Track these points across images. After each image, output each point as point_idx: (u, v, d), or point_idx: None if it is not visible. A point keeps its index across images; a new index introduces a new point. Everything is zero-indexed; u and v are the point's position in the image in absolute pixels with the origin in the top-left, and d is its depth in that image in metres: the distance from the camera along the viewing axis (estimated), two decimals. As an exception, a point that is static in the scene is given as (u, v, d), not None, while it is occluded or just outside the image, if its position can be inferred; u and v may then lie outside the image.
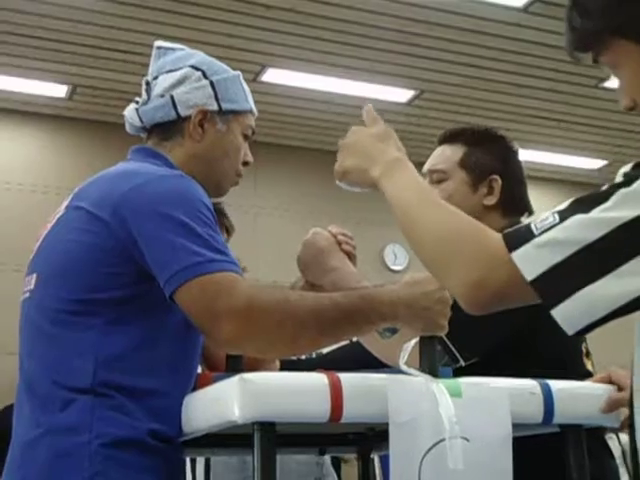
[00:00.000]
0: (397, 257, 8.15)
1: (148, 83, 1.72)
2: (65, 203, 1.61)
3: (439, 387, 1.37)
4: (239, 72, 1.78)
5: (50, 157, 7.33)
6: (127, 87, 6.74)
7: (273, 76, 6.61)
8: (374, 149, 1.43)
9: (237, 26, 5.97)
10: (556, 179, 8.57)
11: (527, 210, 2.05)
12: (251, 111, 1.77)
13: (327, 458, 3.40)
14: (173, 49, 1.76)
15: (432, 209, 1.32)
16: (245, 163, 1.77)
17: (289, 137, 7.64)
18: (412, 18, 5.89)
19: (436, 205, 1.33)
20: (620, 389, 1.59)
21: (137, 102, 1.73)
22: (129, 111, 1.74)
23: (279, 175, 7.24)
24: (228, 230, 2.89)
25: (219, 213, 2.72)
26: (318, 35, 6.13)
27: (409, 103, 7.13)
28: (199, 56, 1.75)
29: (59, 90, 6.87)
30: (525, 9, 5.87)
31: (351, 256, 1.82)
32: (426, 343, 1.47)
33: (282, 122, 7.14)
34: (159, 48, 1.76)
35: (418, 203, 1.33)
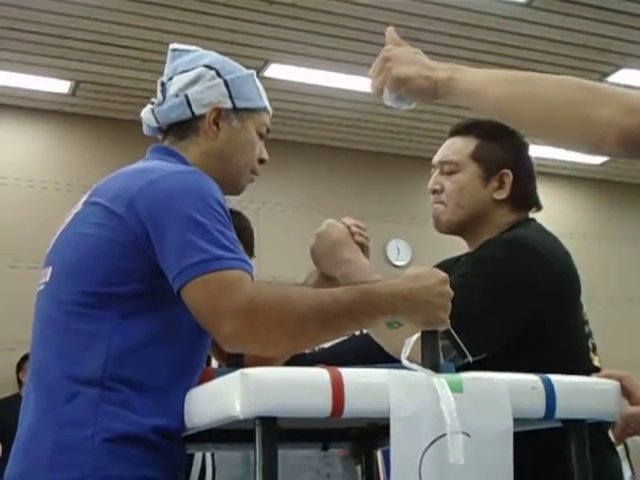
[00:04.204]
0: (400, 252, 8.15)
1: (163, 84, 1.75)
2: (83, 199, 1.64)
3: (440, 382, 1.37)
4: (253, 71, 1.80)
5: (52, 153, 7.33)
6: (130, 83, 6.75)
7: (276, 71, 6.60)
8: (424, 59, 1.42)
9: (240, 21, 5.97)
10: (558, 174, 8.57)
11: (535, 205, 2.04)
12: (265, 109, 1.78)
13: (333, 450, 3.39)
14: (187, 51, 1.79)
15: (538, 76, 1.27)
16: (261, 161, 1.79)
17: (291, 132, 7.63)
18: (414, 13, 5.89)
19: (535, 75, 1.28)
20: (626, 393, 1.58)
21: (153, 103, 1.75)
22: (145, 112, 1.76)
23: (281, 170, 7.23)
24: (249, 252, 2.79)
25: (242, 229, 2.67)
26: (321, 30, 6.13)
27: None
28: (213, 56, 1.78)
29: (62, 86, 6.87)
30: (528, 4, 5.86)
31: (364, 248, 1.83)
32: (428, 337, 1.47)
33: (284, 117, 7.14)
34: (174, 50, 1.80)
35: (525, 78, 1.28)
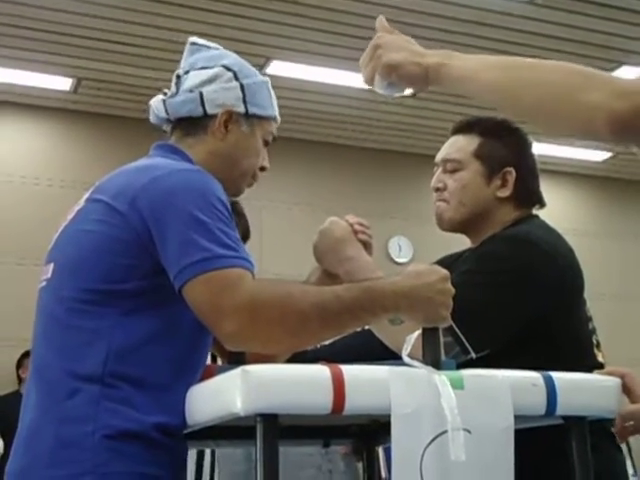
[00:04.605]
0: (402, 249, 8.15)
1: (179, 77, 1.75)
2: (85, 196, 1.64)
3: (441, 379, 1.37)
4: (268, 78, 1.80)
5: (54, 150, 7.34)
6: (132, 80, 6.75)
7: (277, 68, 6.60)
8: (415, 46, 1.42)
9: (241, 18, 5.97)
10: (560, 171, 8.56)
11: (539, 202, 2.04)
12: (275, 118, 1.79)
13: (335, 447, 3.39)
14: (208, 47, 1.79)
15: (531, 61, 1.28)
16: (262, 168, 1.79)
17: (293, 130, 7.63)
18: (414, 10, 5.88)
19: (528, 60, 1.29)
20: (627, 391, 1.58)
21: (165, 94, 1.75)
22: (155, 101, 1.76)
23: (284, 168, 7.22)
24: (244, 235, 2.81)
25: (238, 215, 2.70)
26: (322, 27, 6.13)
27: (412, 95, 7.11)
28: (232, 57, 1.78)
29: (64, 83, 6.87)
30: (530, 1, 5.85)
31: (367, 245, 1.83)
32: (429, 334, 1.47)
33: (286, 115, 7.07)
34: (193, 44, 1.79)
35: (517, 63, 1.29)
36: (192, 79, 1.73)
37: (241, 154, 1.73)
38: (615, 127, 1.16)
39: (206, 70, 1.73)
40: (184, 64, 1.78)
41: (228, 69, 1.74)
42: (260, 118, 1.75)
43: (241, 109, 1.72)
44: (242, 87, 1.73)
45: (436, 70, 1.37)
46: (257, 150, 1.76)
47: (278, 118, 1.81)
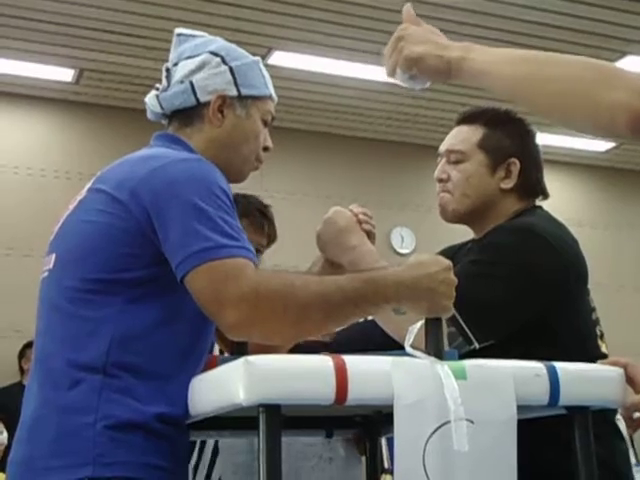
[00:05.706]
0: (404, 240, 8.13)
1: (168, 70, 1.74)
2: (87, 186, 1.63)
3: (444, 369, 1.37)
4: (259, 58, 1.79)
5: (57, 141, 7.32)
6: (134, 71, 6.73)
7: (279, 59, 6.58)
8: (439, 38, 1.42)
9: (243, 9, 5.95)
10: (563, 162, 8.54)
11: (542, 194, 2.03)
12: (270, 97, 1.78)
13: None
14: (193, 36, 1.78)
15: (552, 56, 1.28)
16: (265, 148, 1.78)
17: (296, 120, 7.61)
18: (418, 0, 5.86)
19: (547, 54, 1.29)
20: (630, 381, 1.58)
21: (158, 89, 1.74)
22: (150, 98, 1.76)
23: (286, 159, 7.21)
24: (270, 237, 2.80)
25: (266, 219, 2.68)
26: (324, 17, 6.11)
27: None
28: (219, 42, 1.77)
29: (66, 74, 6.86)
30: (533, -10, 5.83)
31: (370, 235, 1.83)
32: (431, 325, 1.47)
33: (288, 105, 7.12)
34: (179, 35, 1.79)
35: (538, 58, 1.29)
36: (181, 70, 1.72)
37: (240, 138, 1.73)
38: (637, 125, 1.16)
39: (193, 59, 1.72)
40: (172, 56, 1.77)
41: (215, 54, 1.73)
42: (255, 99, 1.74)
43: (233, 92, 1.71)
44: (231, 70, 1.72)
45: (458, 64, 1.37)
46: (256, 132, 1.75)
47: (274, 96, 1.79)
